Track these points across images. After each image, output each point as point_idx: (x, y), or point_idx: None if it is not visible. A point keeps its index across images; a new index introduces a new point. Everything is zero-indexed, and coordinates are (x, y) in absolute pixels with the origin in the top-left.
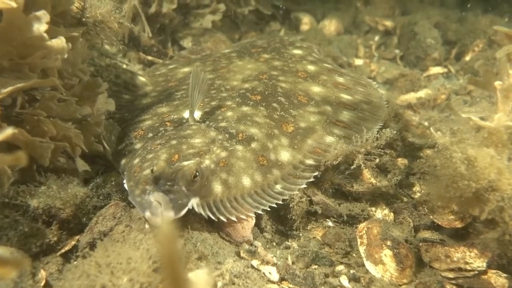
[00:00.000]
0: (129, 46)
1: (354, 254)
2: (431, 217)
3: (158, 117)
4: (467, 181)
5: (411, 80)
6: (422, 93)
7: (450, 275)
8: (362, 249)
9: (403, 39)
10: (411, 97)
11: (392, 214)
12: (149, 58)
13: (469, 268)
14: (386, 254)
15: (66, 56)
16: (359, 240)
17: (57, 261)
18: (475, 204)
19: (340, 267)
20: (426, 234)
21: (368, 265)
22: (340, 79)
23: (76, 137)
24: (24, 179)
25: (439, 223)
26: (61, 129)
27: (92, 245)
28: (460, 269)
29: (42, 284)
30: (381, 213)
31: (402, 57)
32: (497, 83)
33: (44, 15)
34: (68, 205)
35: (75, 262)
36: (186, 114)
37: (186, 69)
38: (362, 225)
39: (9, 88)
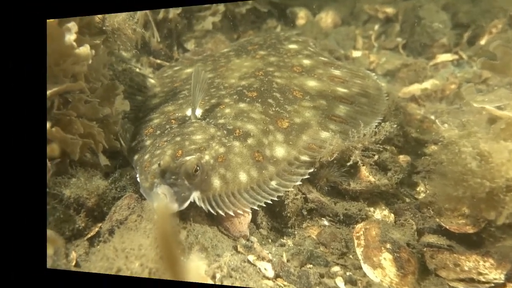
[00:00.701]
0: (140, 51)
1: (350, 256)
2: (437, 220)
3: (164, 115)
4: (479, 179)
5: (415, 70)
6: (427, 84)
7: (460, 286)
8: (359, 250)
9: (406, 26)
10: (415, 88)
11: (392, 215)
12: (158, 61)
13: (483, 280)
14: (386, 258)
15: (90, 62)
16: (356, 241)
17: (84, 245)
18: (490, 207)
19: (336, 268)
20: (431, 239)
21: (366, 268)
22: (336, 72)
23: (99, 134)
24: (60, 172)
25: (447, 227)
26: (87, 128)
27: (111, 232)
28: (472, 280)
29: (73, 264)
30: (380, 213)
31: (404, 45)
32: None
33: (73, 26)
34: (93, 195)
35: (98, 246)
36: (188, 112)
37: (189, 70)
38: (359, 226)
39: (50, 91)
